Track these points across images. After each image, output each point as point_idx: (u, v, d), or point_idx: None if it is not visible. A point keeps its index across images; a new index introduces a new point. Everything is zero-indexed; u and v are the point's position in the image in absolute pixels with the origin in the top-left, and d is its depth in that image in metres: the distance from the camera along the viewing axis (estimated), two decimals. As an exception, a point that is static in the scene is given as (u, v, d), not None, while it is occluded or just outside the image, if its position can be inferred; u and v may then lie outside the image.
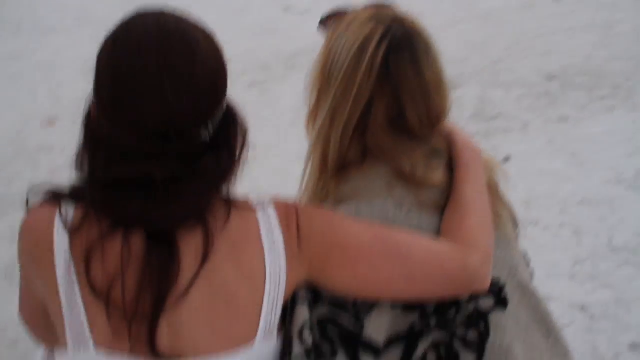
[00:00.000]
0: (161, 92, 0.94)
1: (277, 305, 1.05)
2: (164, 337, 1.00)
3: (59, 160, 3.31)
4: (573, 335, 2.12)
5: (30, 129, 3.61)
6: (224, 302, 1.02)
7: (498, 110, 3.87)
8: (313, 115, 1.27)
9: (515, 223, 1.33)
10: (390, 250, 1.08)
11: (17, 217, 3.04)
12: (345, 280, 1.08)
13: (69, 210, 1.02)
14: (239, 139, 1.04)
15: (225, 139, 1.02)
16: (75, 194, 1.03)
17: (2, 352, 2.31)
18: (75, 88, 4.15)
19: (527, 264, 1.35)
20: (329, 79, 1.22)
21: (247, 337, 1.03)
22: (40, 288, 1.06)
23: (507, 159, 3.29)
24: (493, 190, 1.27)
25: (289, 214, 1.07)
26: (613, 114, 3.80)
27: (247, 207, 1.06)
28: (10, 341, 2.32)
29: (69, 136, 3.44)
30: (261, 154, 3.02)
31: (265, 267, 1.04)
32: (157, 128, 0.96)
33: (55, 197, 1.03)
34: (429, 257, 1.10)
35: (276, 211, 1.07)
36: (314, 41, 1.36)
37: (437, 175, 1.23)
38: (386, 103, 1.18)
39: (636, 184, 3.06)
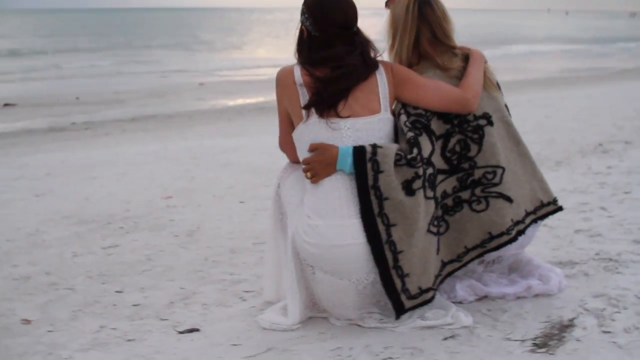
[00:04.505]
0: (342, 9, 2.82)
1: (386, 99, 2.83)
2: (342, 109, 2.77)
3: (182, 210, 5.00)
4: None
5: (156, 200, 5.34)
6: (366, 97, 2.80)
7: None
8: (392, 46, 3.04)
9: (498, 87, 3.04)
10: (430, 85, 2.88)
11: (154, 240, 4.62)
12: (410, 96, 2.87)
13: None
14: (363, 35, 2.88)
15: (359, 32, 2.87)
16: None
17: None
18: (176, 184, 5.90)
19: (508, 110, 3.04)
20: (395, 27, 2.99)
21: (377, 109, 2.81)
22: (287, 104, 2.85)
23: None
24: (486, 73, 2.99)
25: (387, 65, 2.89)
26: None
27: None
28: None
29: (182, 201, 5.29)
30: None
31: (378, 85, 2.83)
32: (340, 24, 2.82)
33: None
34: (447, 90, 2.89)
35: (382, 65, 2.88)
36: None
37: (456, 64, 2.97)
38: (425, 31, 2.95)
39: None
